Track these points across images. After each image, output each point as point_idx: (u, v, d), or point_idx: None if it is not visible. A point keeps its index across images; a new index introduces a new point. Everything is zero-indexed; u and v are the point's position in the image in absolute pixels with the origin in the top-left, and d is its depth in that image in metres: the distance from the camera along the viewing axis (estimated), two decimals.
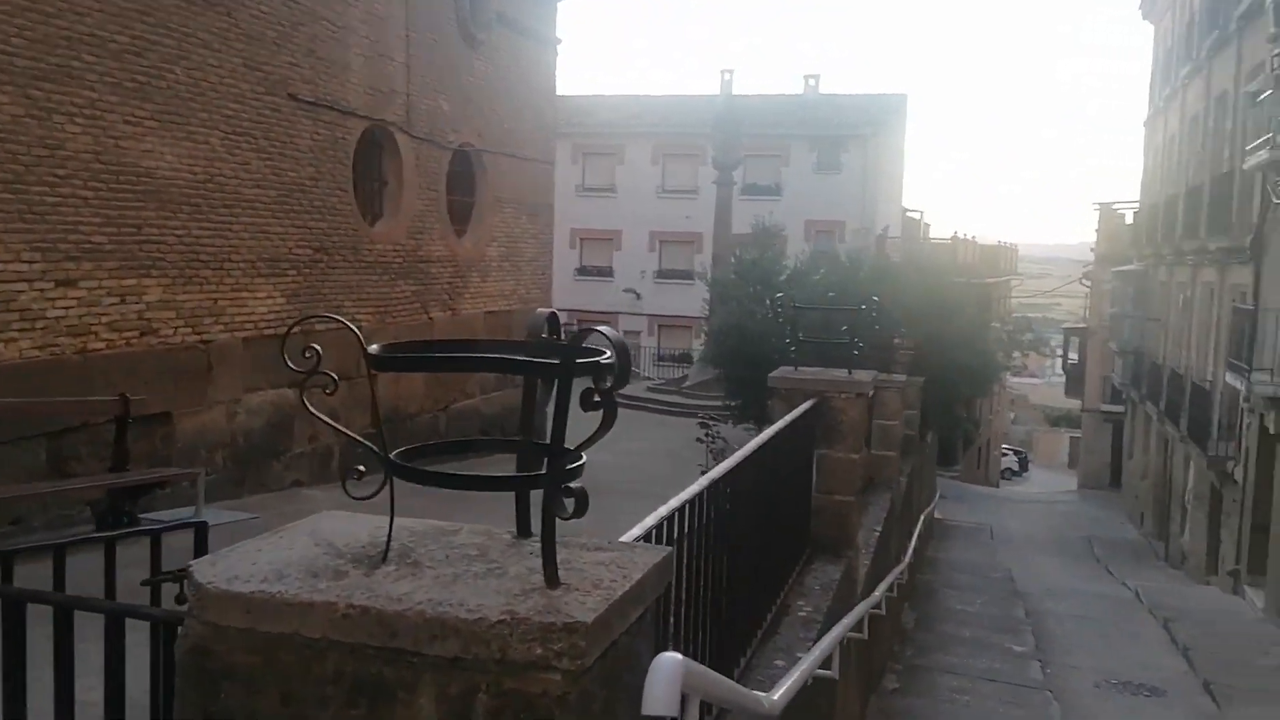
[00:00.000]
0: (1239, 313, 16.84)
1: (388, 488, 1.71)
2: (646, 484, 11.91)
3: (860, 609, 5.88)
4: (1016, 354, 26.03)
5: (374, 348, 1.67)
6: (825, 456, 6.28)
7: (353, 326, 1.70)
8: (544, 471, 1.67)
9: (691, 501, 3.03)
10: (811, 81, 37.12)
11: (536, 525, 1.76)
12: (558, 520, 1.63)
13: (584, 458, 1.66)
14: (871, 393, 6.97)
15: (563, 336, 2.02)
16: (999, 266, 41.02)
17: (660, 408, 23.24)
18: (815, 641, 4.34)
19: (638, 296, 36.50)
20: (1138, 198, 33.26)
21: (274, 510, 8.70)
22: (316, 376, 1.68)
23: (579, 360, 1.60)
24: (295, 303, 9.47)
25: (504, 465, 1.97)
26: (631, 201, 35.31)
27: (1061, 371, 44.89)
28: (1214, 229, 19.24)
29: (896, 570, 9.78)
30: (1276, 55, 13.08)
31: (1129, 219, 36.31)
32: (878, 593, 7.32)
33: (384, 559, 1.68)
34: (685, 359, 35.25)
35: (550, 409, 1.79)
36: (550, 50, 14.50)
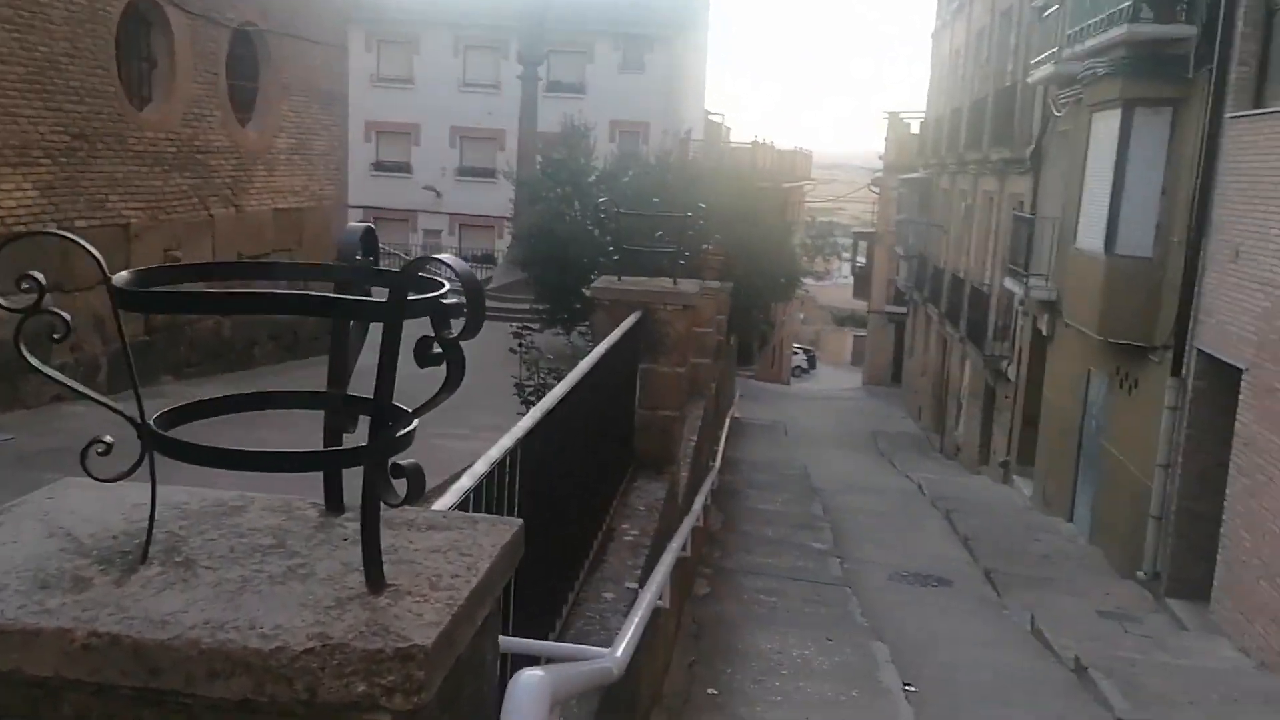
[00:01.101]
0: (1018, 221, 17.83)
1: (146, 464, 1.28)
2: (456, 401, 11.32)
3: (684, 528, 5.79)
4: (819, 259, 26.84)
5: (124, 275, 1.22)
6: (650, 371, 6.08)
7: (91, 250, 1.23)
8: (365, 444, 1.28)
9: (514, 449, 2.69)
10: None
11: (352, 498, 1.38)
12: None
13: (415, 423, 1.29)
14: (696, 304, 6.80)
15: (379, 259, 1.61)
16: (794, 172, 42.05)
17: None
18: (643, 569, 4.16)
19: (438, 194, 35.23)
20: (924, 108, 34.65)
21: (30, 430, 7.76)
22: (42, 318, 1.20)
23: (413, 298, 1.22)
24: (51, 196, 8.33)
25: (306, 423, 1.56)
26: (431, 94, 33.73)
27: (849, 274, 46.93)
28: (996, 140, 20.20)
29: (710, 478, 9.87)
30: None
31: (915, 129, 37.94)
32: (697, 505, 7.30)
33: (144, 557, 1.27)
34: (489, 259, 34.47)
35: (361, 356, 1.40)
36: None
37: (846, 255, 46.76)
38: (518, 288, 23.60)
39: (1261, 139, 9.58)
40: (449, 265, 1.35)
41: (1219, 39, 10.26)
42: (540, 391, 8.51)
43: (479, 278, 1.36)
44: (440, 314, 1.24)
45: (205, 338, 10.83)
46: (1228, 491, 9.91)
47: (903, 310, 35.79)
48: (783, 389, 37.58)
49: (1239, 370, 9.73)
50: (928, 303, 28.16)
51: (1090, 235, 13.23)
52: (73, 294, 8.72)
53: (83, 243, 1.22)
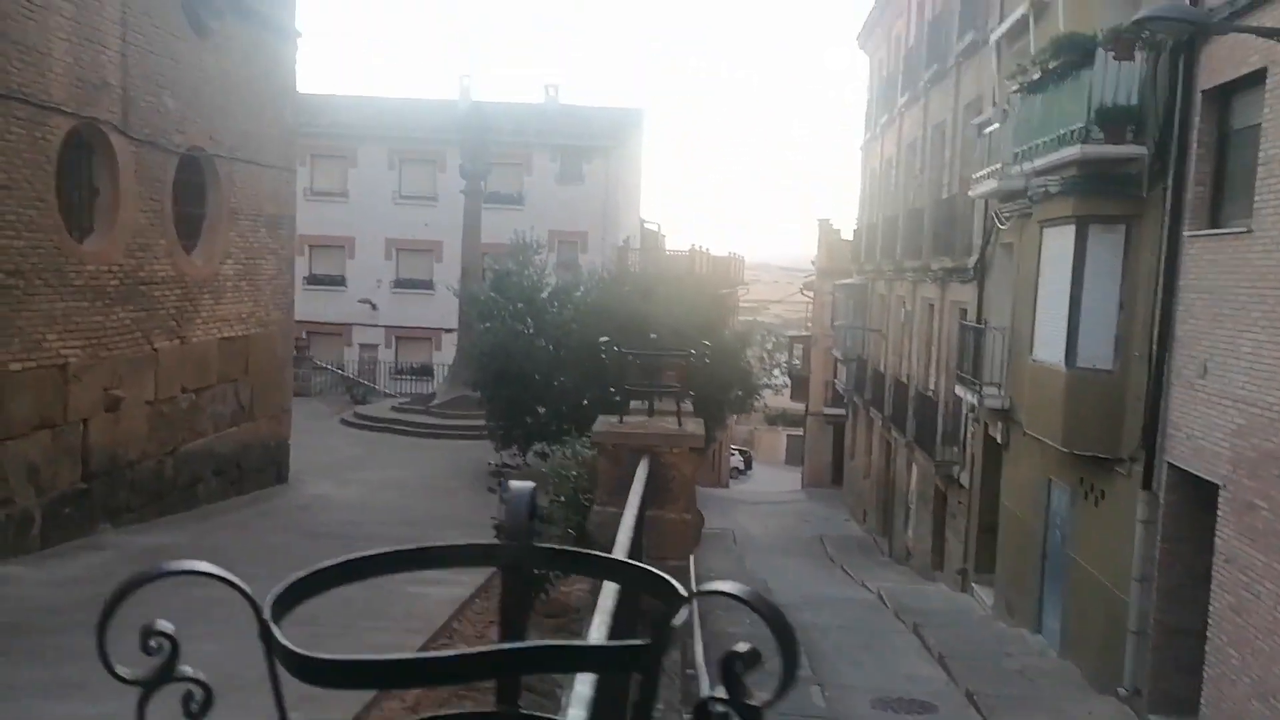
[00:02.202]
0: (965, 329, 17.99)
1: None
2: (417, 527, 10.86)
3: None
4: (777, 371, 26.77)
5: (275, 593, 0.82)
6: (658, 519, 5.67)
7: (244, 589, 0.83)
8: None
9: None
10: (552, 91, 36.83)
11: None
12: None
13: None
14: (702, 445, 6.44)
15: (537, 513, 1.31)
16: (729, 277, 42.56)
17: (409, 429, 21.88)
18: None
19: (374, 307, 34.72)
20: (856, 216, 35.50)
21: None
22: None
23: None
24: None
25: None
26: (366, 207, 33.54)
27: (780, 375, 47.24)
28: (937, 249, 20.55)
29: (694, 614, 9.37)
30: (1014, 89, 13.92)
31: (845, 234, 38.85)
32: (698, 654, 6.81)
33: None
34: (425, 371, 33.86)
35: None
36: (290, 44, 13.03)
37: (779, 358, 47.15)
38: (462, 404, 23.03)
39: (1223, 257, 9.71)
40: (748, 603, 0.98)
41: (1174, 159, 10.49)
42: None
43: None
44: (733, 663, 0.86)
45: (146, 479, 10.10)
46: (1211, 608, 9.73)
47: (841, 412, 35.98)
48: (724, 493, 37.25)
49: (1214, 485, 9.66)
50: (869, 406, 28.30)
51: (1048, 347, 13.29)
52: (4, 443, 8.03)
53: (237, 582, 0.82)
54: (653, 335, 15.43)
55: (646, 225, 40.21)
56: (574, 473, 10.96)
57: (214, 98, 11.03)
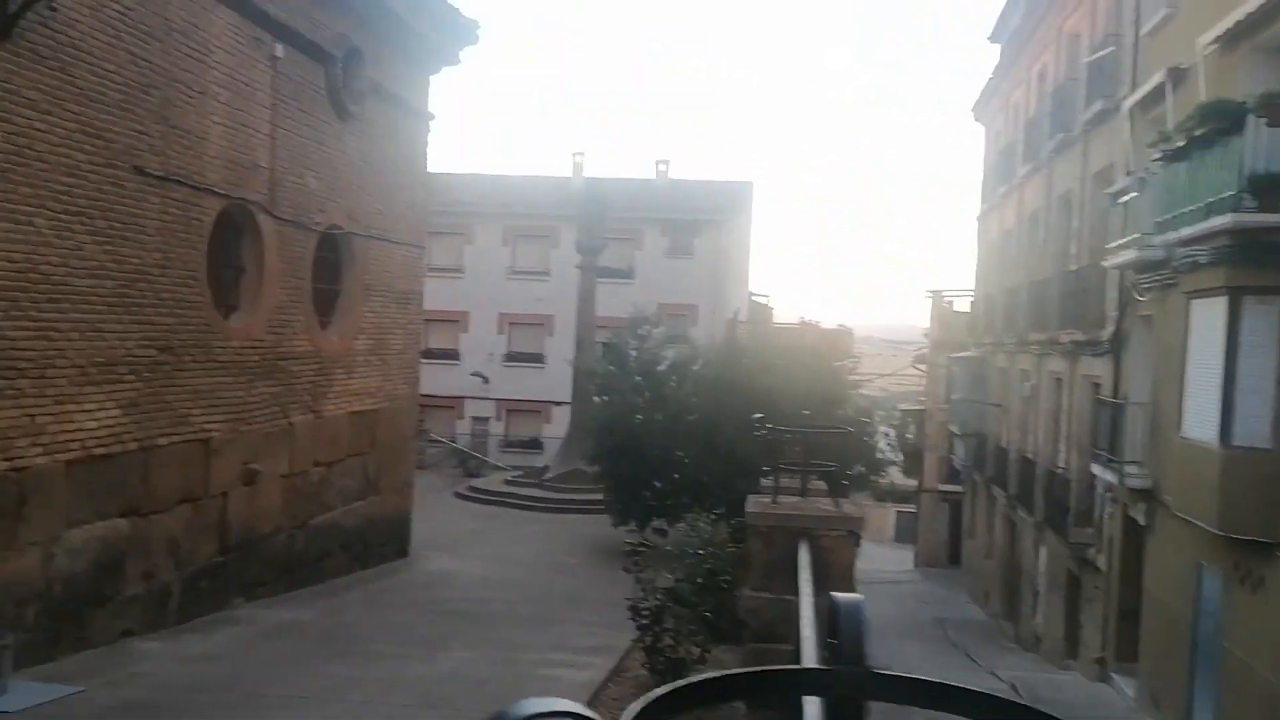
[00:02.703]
0: (1100, 405, 17.15)
1: None
2: (547, 615, 10.64)
3: None
4: (888, 446, 26.02)
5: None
6: (815, 607, 5.33)
7: None
8: None
9: None
10: (662, 167, 37.26)
11: None
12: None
13: None
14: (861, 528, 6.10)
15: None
16: (838, 350, 41.92)
17: (522, 503, 21.86)
18: None
19: (485, 380, 35.19)
20: (971, 287, 34.66)
21: (102, 677, 7.00)
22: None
23: None
24: (133, 414, 7.87)
25: None
26: (480, 282, 34.23)
27: (890, 449, 45.91)
28: (1065, 322, 19.77)
29: None
30: (1154, 158, 13.38)
31: (958, 306, 37.95)
32: None
33: None
34: (535, 444, 34.02)
35: None
36: (424, 126, 13.38)
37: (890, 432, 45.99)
38: (577, 478, 22.95)
39: None
40: None
41: None
42: (659, 616, 7.73)
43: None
44: None
45: (278, 553, 10.18)
46: None
47: (958, 489, 34.77)
48: None
49: None
50: (990, 483, 27.21)
51: (1199, 424, 12.52)
52: (149, 517, 8.16)
53: None
54: (774, 411, 15.14)
55: (755, 298, 40.03)
56: (700, 551, 10.66)
57: (352, 178, 11.33)
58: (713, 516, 12.44)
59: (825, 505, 5.79)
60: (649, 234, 34.68)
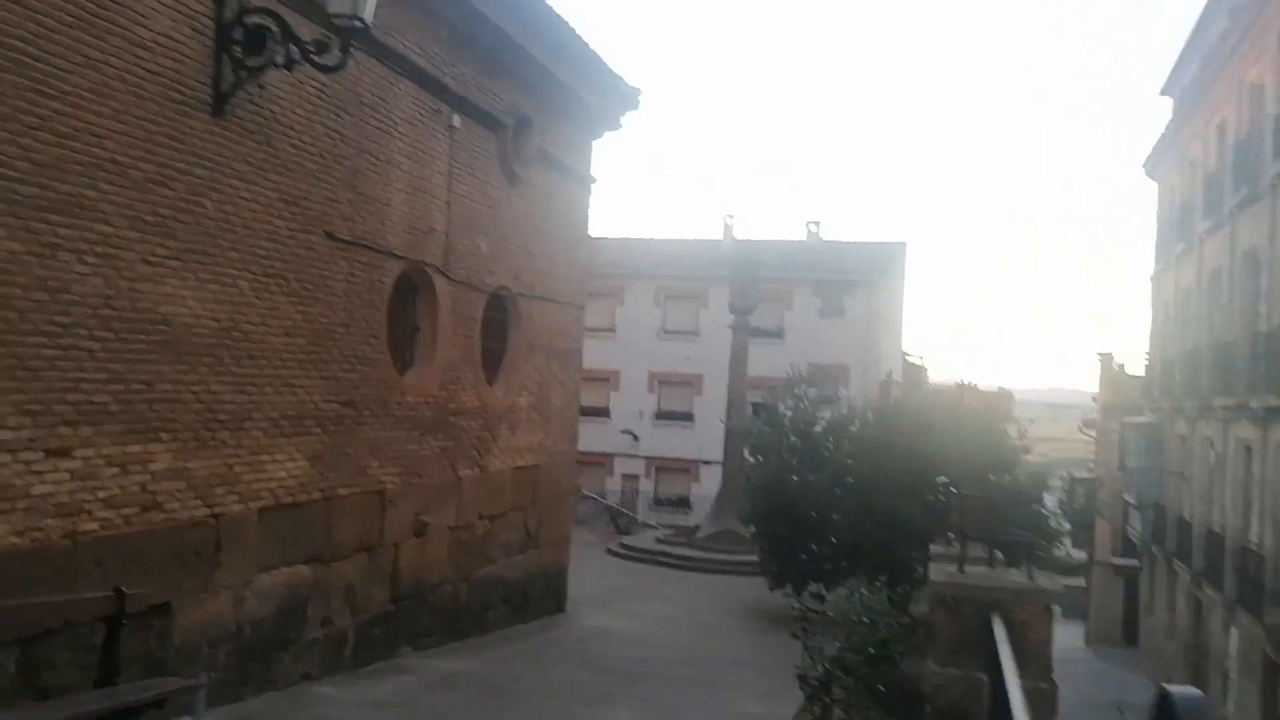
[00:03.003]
0: None
1: None
2: (707, 677, 10.50)
3: None
4: (1058, 516, 24.70)
5: None
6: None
7: None
8: None
9: None
10: (813, 227, 37.11)
11: None
12: None
13: None
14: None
15: None
16: (998, 414, 40.32)
17: (674, 562, 21.74)
18: None
19: (635, 438, 35.42)
20: (1146, 349, 32.91)
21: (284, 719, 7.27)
22: None
23: None
24: (318, 465, 8.24)
25: None
26: (631, 342, 34.66)
27: (1057, 518, 43.61)
28: (1255, 386, 18.46)
29: None
30: None
31: (1129, 369, 36.03)
32: None
33: None
34: (684, 503, 33.92)
35: None
36: (586, 189, 13.75)
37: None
38: (729, 538, 22.70)
39: None
40: None
41: None
42: (827, 686, 7.50)
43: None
44: None
45: (444, 604, 10.40)
46: None
47: (1134, 563, 32.77)
48: None
49: None
50: (1172, 557, 25.52)
51: None
52: (330, 564, 8.48)
53: None
54: (941, 476, 14.59)
55: (908, 358, 39.09)
56: (867, 619, 10.30)
57: (519, 240, 11.70)
58: (878, 583, 12.05)
59: (1018, 576, 5.49)
60: (800, 294, 34.45)
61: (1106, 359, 39.10)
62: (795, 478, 15.60)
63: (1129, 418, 32.15)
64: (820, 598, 15.42)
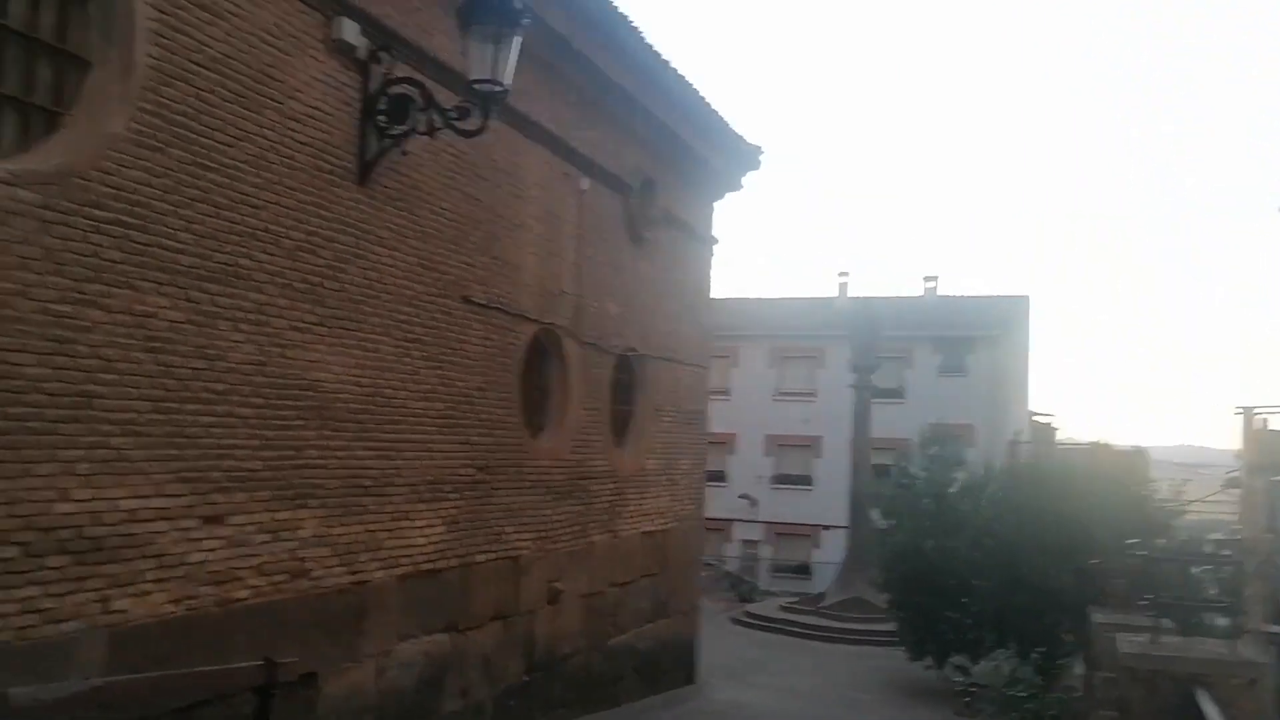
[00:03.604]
0: None
1: None
2: None
3: None
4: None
5: None
6: None
7: None
8: None
9: None
10: (930, 283, 36.36)
11: None
12: None
13: None
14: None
15: None
16: (1134, 474, 38.35)
17: (801, 631, 21.05)
18: None
19: (753, 503, 34.85)
20: None
21: None
22: None
23: None
24: (455, 531, 8.16)
25: None
26: (746, 404, 34.30)
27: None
28: None
29: None
30: None
31: (1271, 424, 33.92)
32: None
33: None
34: (804, 570, 33.06)
35: None
36: (708, 250, 13.66)
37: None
38: (857, 606, 21.91)
39: None
40: None
41: None
42: None
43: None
44: None
45: (576, 674, 10.15)
46: None
47: None
48: None
49: None
50: None
51: None
52: (466, 632, 8.34)
53: None
54: (1088, 539, 13.77)
55: (1036, 417, 37.59)
56: (1023, 693, 9.68)
57: (645, 302, 11.61)
58: (1035, 654, 11.33)
59: (1216, 647, 4.96)
60: (919, 352, 33.69)
61: (1248, 414, 36.92)
62: (931, 542, 14.94)
63: (1278, 476, 30.17)
64: (964, 670, 14.66)
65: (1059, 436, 38.89)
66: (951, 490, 15.84)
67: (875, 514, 17.25)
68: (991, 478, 16.40)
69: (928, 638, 14.83)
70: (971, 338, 32.83)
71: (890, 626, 19.32)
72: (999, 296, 35.73)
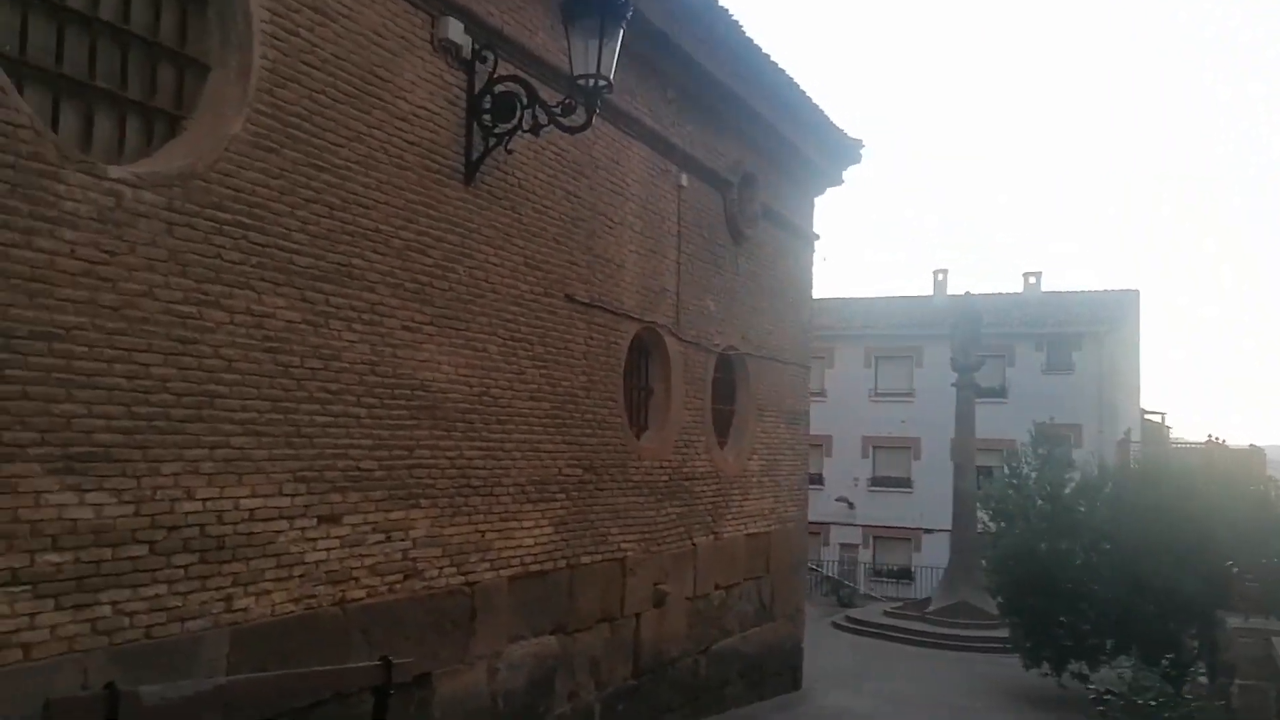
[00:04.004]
0: None
1: None
2: None
3: None
4: None
5: None
6: None
7: None
8: None
9: None
10: (1032, 279, 35.25)
11: None
12: None
13: None
14: None
15: None
16: (1251, 474, 36.55)
17: (905, 637, 20.54)
18: None
19: (850, 506, 34.25)
20: None
21: None
22: None
23: None
24: (562, 531, 8.10)
25: None
26: (842, 406, 33.70)
27: None
28: None
29: None
30: None
31: None
32: None
33: None
34: (905, 574, 32.34)
35: None
36: (809, 247, 13.40)
37: None
38: (963, 611, 21.31)
39: None
40: None
41: None
42: None
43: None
44: None
45: (683, 678, 10.01)
46: None
47: None
48: None
49: None
50: None
51: None
52: (574, 634, 8.27)
53: None
54: (1214, 542, 13.10)
55: (1147, 415, 36.14)
56: (1154, 701, 9.20)
57: (745, 299, 11.43)
58: (1165, 660, 10.78)
59: None
60: (1022, 350, 32.68)
61: None
62: (1044, 545, 14.38)
63: None
64: (1083, 678, 14.07)
65: (1171, 435, 37.36)
66: (1066, 491, 15.23)
67: (983, 516, 16.69)
68: (1108, 478, 15.73)
69: (1044, 644, 14.27)
70: (1078, 334, 31.71)
71: (998, 633, 18.71)
72: (1107, 291, 34.45)
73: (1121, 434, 31.46)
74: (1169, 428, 38.50)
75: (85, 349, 4.53)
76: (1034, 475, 15.47)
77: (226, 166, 5.21)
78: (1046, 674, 14.21)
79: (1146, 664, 11.69)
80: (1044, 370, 32.33)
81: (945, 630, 20.54)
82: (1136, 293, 35.00)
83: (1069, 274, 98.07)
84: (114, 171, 4.69)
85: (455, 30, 6.73)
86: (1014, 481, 15.70)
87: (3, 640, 4.21)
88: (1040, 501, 15.03)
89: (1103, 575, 13.53)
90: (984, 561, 17.70)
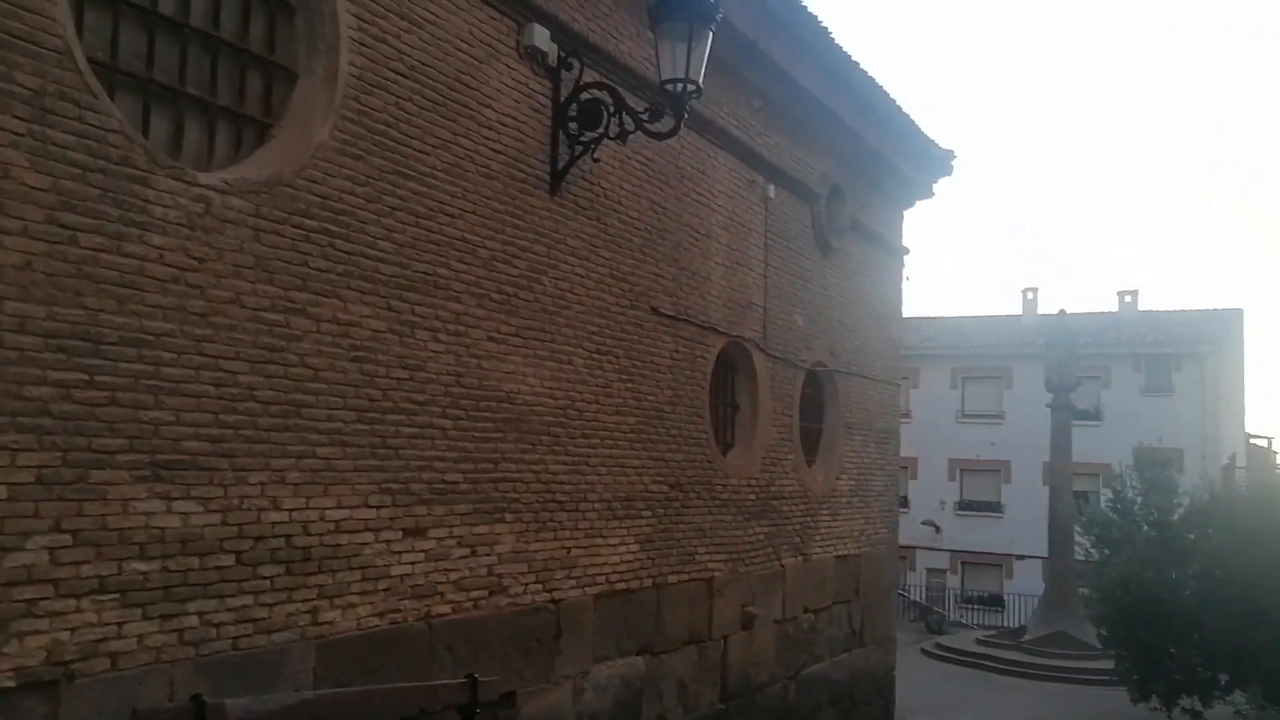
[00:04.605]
0: None
1: None
2: None
3: None
4: None
5: None
6: None
7: None
8: None
9: None
10: (1128, 298, 34.06)
11: None
12: None
13: None
14: None
15: None
16: None
17: (999, 667, 19.78)
18: None
19: (937, 529, 33.40)
20: None
21: None
22: None
23: None
24: (648, 550, 7.90)
25: None
26: (928, 427, 32.96)
27: None
28: None
29: None
30: None
31: None
32: None
33: None
34: (995, 601, 31.33)
35: None
36: (899, 260, 13.03)
37: None
38: (1062, 641, 20.47)
39: None
40: None
41: None
42: None
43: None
44: None
45: (772, 704, 9.68)
46: None
47: None
48: None
49: None
50: None
51: None
52: (660, 656, 8.04)
53: None
54: None
55: (1253, 440, 34.61)
56: None
57: (833, 314, 11.13)
58: None
59: None
60: (1118, 371, 31.58)
61: None
62: (1151, 573, 13.68)
63: None
64: (1195, 713, 13.32)
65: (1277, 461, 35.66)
66: (1173, 518, 14.50)
67: (1084, 543, 16.00)
68: (1220, 503, 14.92)
69: (1154, 676, 13.54)
70: (1179, 354, 30.48)
71: (1099, 664, 17.91)
72: (1209, 310, 33.09)
73: (1226, 459, 30.13)
74: (1276, 452, 36.80)
75: (173, 355, 4.50)
76: (1139, 500, 14.77)
77: (313, 173, 5.17)
78: (1155, 708, 13.48)
79: (1267, 699, 10.99)
80: (1142, 392, 31.17)
81: (1043, 660, 19.72)
82: (1240, 311, 33.57)
83: (1165, 293, 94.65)
84: (203, 178, 4.67)
85: (541, 37, 6.64)
86: (1118, 507, 15.01)
87: (90, 649, 4.17)
88: (1147, 528, 14.32)
89: (1216, 605, 12.80)
90: (1085, 590, 16.97)
